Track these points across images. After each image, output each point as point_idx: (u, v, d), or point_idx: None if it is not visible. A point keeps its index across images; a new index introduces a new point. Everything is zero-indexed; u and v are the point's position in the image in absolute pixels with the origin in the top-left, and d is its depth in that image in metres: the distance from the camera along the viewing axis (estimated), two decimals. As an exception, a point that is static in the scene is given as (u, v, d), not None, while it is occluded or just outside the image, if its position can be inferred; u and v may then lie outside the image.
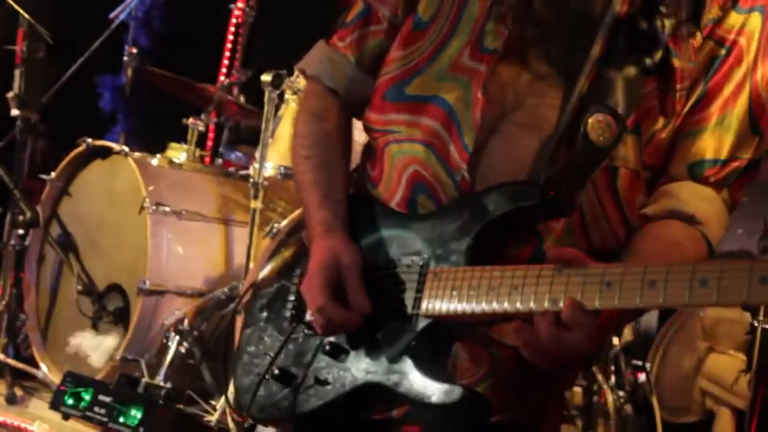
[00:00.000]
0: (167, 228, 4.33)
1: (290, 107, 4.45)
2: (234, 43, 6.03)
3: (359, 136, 1.98)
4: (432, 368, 1.65)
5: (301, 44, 2.07)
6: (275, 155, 4.45)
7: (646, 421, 4.00)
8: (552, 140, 1.69)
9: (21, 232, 4.63)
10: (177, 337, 4.17)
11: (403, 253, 1.74)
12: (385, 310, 1.71)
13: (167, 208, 4.32)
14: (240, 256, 4.40)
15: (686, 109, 1.75)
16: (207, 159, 5.55)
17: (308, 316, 1.81)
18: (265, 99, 4.19)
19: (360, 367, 1.72)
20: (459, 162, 1.74)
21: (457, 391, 1.61)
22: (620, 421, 3.90)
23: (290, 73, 4.21)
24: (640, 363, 4.08)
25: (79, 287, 4.45)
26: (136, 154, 4.50)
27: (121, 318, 4.37)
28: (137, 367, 4.17)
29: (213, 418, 3.82)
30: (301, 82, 4.18)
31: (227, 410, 3.64)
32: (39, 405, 4.25)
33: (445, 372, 1.70)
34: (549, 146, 1.69)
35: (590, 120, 1.67)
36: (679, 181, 1.76)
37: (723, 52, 1.74)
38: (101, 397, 3.77)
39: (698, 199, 1.75)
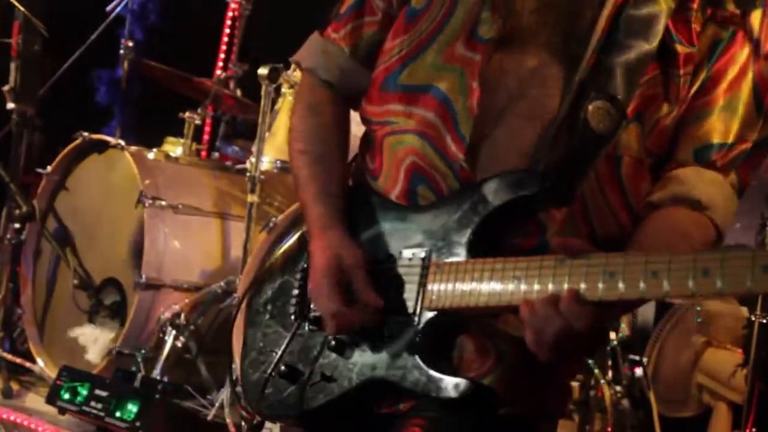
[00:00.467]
0: (164, 222, 4.31)
1: (287, 101, 4.44)
2: (230, 36, 6.00)
3: (357, 130, 1.97)
4: (438, 362, 1.64)
5: (298, 38, 2.06)
6: (272, 149, 4.44)
7: (643, 415, 3.99)
8: (552, 128, 1.68)
9: (17, 226, 4.60)
10: (173, 332, 4.15)
11: (404, 245, 1.73)
12: (389, 304, 1.70)
13: (164, 202, 4.30)
14: (237, 250, 4.39)
15: (691, 93, 1.74)
16: (203, 153, 5.54)
17: (312, 312, 1.80)
18: (262, 93, 4.17)
19: (366, 363, 1.71)
20: (455, 152, 1.73)
21: (463, 385, 1.60)
22: (617, 416, 3.89)
23: (287, 67, 4.19)
24: (637, 357, 4.08)
25: (76, 281, 4.43)
26: (133, 148, 4.48)
27: (117, 312, 4.36)
28: (134, 362, 4.16)
29: (210, 413, 3.81)
30: (297, 75, 4.17)
31: (236, 407, 3.63)
32: (35, 399, 4.24)
33: (451, 365, 1.70)
34: (550, 134, 1.68)
35: (590, 107, 1.66)
36: (686, 167, 1.76)
37: (726, 35, 1.74)
38: (98, 392, 3.76)
39: (705, 183, 1.74)
